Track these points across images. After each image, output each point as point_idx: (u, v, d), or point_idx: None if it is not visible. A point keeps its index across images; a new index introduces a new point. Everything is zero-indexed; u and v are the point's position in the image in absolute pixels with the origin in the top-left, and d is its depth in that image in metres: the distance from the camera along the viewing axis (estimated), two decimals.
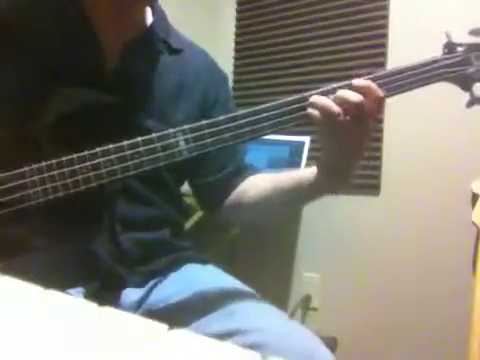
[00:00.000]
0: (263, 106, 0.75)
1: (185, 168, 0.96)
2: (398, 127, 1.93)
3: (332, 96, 0.74)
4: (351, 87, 0.75)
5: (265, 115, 0.75)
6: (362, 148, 0.79)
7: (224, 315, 0.78)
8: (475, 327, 1.12)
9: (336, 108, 0.72)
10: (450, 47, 0.82)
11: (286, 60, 2.25)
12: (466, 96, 0.84)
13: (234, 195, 0.97)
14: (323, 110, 0.73)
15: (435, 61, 0.81)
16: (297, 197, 0.89)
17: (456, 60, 0.82)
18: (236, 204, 0.96)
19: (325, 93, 0.75)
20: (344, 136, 0.74)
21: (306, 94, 0.76)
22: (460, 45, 0.83)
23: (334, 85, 0.76)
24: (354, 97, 0.73)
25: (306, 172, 0.85)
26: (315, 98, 0.75)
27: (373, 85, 0.75)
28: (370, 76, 0.77)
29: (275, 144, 1.97)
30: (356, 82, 0.75)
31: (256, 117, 0.75)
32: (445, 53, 0.83)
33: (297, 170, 0.88)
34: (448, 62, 0.81)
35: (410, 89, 0.79)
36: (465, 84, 0.83)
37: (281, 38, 2.26)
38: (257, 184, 0.94)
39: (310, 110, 0.75)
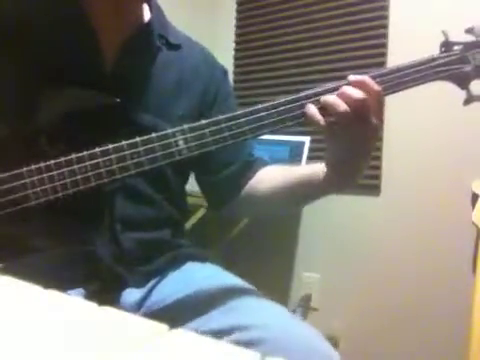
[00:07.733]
0: (263, 105, 0.75)
1: (188, 167, 0.96)
2: (398, 127, 1.93)
3: (334, 94, 0.74)
4: (348, 84, 0.74)
5: (265, 114, 0.75)
6: (369, 147, 0.78)
7: (225, 311, 0.78)
8: (475, 327, 1.12)
9: (344, 106, 0.72)
10: (447, 46, 0.82)
11: (286, 60, 2.25)
12: (465, 95, 0.84)
13: (245, 190, 0.96)
14: (332, 108, 0.72)
15: (432, 60, 0.80)
16: (304, 193, 0.88)
17: (453, 58, 0.81)
18: (247, 199, 0.96)
19: (323, 93, 0.75)
20: (349, 136, 0.74)
21: (304, 93, 0.75)
22: (457, 44, 0.82)
23: (331, 85, 0.75)
24: (357, 94, 0.72)
25: (315, 168, 0.84)
26: (324, 98, 0.74)
27: (368, 79, 0.74)
28: (367, 74, 0.76)
29: (275, 144, 1.97)
30: (352, 78, 0.74)
31: (256, 116, 0.74)
32: (442, 52, 0.82)
33: (306, 166, 0.86)
34: (445, 60, 0.81)
35: (407, 87, 0.79)
36: (462, 82, 0.83)
37: (281, 37, 2.27)
38: (267, 178, 0.94)
39: (310, 110, 0.74)
